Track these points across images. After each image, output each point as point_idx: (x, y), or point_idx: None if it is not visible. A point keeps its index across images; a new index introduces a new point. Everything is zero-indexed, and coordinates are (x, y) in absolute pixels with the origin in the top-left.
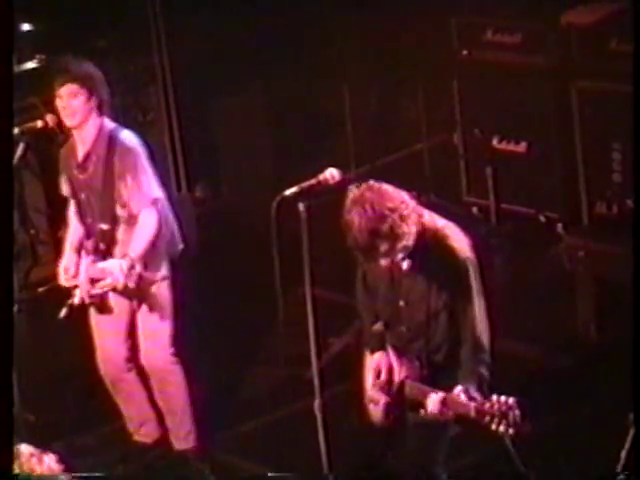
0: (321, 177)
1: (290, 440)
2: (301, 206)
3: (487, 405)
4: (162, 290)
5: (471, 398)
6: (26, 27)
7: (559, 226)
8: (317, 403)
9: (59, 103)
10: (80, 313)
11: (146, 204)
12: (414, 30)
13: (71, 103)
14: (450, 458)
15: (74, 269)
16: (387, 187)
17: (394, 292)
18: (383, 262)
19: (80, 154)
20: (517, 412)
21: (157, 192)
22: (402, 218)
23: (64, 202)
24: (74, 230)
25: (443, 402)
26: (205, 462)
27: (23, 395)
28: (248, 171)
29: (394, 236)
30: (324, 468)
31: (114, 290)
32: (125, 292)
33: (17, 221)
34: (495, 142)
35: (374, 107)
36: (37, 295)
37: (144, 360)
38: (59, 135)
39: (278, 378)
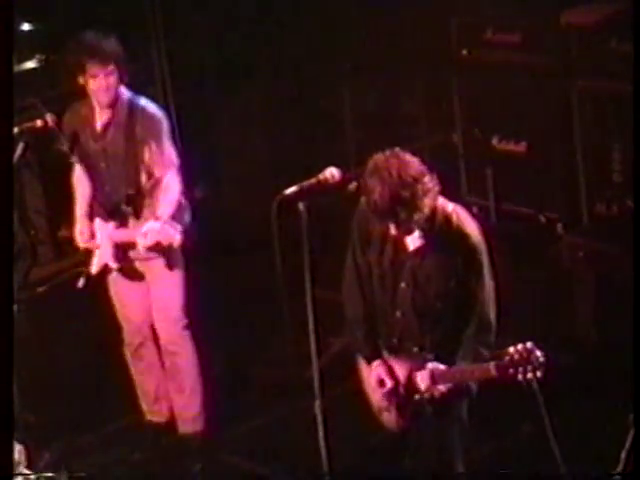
0: (321, 177)
1: (290, 440)
2: (301, 206)
3: (507, 358)
4: (178, 254)
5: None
6: (26, 27)
7: (559, 226)
8: (317, 403)
9: (93, 82)
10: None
11: (170, 168)
12: (414, 30)
13: (108, 82)
14: (466, 449)
15: (88, 233)
16: (412, 158)
17: (395, 274)
18: (393, 231)
19: (98, 123)
20: (538, 353)
21: (177, 160)
22: (423, 190)
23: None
24: (81, 195)
25: (431, 376)
26: (199, 461)
27: (23, 395)
28: (248, 171)
29: (413, 206)
30: (324, 468)
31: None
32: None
33: (17, 221)
34: (495, 142)
35: (374, 107)
36: (37, 295)
37: (157, 331)
38: (59, 134)
39: (278, 378)
